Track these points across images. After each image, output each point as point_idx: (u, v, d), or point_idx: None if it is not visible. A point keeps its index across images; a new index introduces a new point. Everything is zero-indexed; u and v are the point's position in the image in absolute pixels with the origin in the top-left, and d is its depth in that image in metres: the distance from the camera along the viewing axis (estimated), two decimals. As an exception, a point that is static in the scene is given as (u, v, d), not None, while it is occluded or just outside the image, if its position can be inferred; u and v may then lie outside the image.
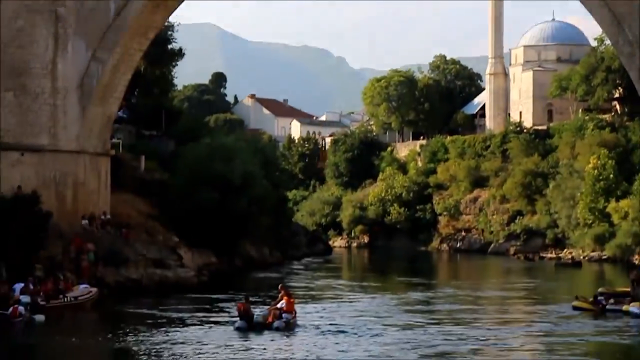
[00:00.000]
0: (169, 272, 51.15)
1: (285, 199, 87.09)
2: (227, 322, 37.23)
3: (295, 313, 36.10)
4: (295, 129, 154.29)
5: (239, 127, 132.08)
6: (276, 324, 34.75)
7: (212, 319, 38.15)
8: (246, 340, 32.48)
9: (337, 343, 31.34)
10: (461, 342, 31.73)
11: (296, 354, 29.40)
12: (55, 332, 35.39)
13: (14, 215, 44.32)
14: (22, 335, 34.84)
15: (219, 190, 60.72)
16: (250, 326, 34.81)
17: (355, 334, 33.68)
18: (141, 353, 28.97)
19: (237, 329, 34.73)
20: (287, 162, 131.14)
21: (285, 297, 35.84)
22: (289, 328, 34.90)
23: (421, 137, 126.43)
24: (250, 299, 36.88)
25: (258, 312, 36.02)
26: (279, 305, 35.67)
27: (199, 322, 37.11)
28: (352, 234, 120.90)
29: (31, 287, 41.29)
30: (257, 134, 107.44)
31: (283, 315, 35.23)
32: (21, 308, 37.65)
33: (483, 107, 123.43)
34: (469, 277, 70.46)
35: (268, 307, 36.51)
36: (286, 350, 30.23)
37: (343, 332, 34.08)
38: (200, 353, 29.38)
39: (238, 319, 35.46)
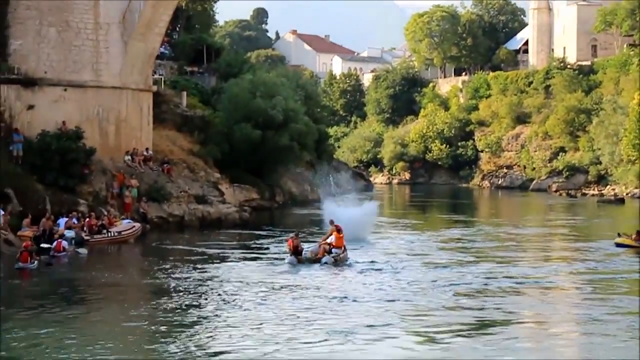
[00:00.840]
0: (210, 208, 51.46)
1: (327, 135, 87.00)
2: (269, 257, 37.46)
3: (345, 248, 36.19)
4: (337, 65, 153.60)
5: (281, 64, 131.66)
6: (325, 259, 35.00)
7: (254, 255, 38.36)
8: (294, 275, 32.59)
9: (378, 281, 31.39)
10: (501, 280, 31.64)
11: (341, 289, 29.47)
12: (98, 267, 35.80)
13: (58, 151, 44.75)
14: (65, 269, 35.28)
15: (260, 127, 60.84)
16: (299, 261, 35.08)
17: (395, 271, 33.68)
18: (182, 289, 29.17)
19: (287, 264, 34.96)
20: (328, 98, 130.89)
21: (335, 233, 35.91)
22: (338, 263, 35.05)
23: (463, 73, 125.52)
24: (300, 234, 36.96)
25: (307, 247, 36.14)
26: (328, 241, 35.83)
27: (241, 258, 37.32)
28: (393, 171, 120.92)
29: (75, 222, 41.86)
30: (298, 70, 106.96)
31: (332, 250, 35.41)
32: (65, 242, 38.20)
33: (526, 43, 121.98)
34: (510, 214, 70.26)
35: (318, 242, 36.53)
36: (331, 286, 30.32)
37: (382, 269, 34.11)
38: (245, 289, 29.50)
39: (288, 254, 35.76)
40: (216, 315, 25.20)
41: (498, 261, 36.91)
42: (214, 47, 77.18)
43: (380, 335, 22.58)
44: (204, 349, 21.16)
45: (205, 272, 33.17)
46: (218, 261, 36.32)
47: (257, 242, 43.53)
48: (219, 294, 28.41)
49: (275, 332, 22.76)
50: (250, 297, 27.93)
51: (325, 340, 21.91)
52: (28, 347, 20.89)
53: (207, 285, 30.12)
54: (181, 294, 28.31)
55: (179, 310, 25.60)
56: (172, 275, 32.21)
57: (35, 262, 34.44)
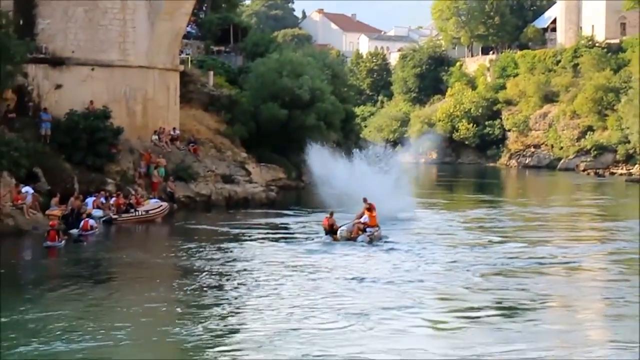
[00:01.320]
0: (237, 188, 51.57)
1: (353, 114, 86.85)
2: (295, 237, 37.49)
3: (379, 227, 36.29)
4: (363, 44, 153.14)
5: (307, 43, 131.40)
6: (360, 238, 35.16)
7: (281, 235, 38.39)
8: (320, 255, 32.55)
9: (402, 262, 31.32)
10: (527, 261, 31.48)
11: (363, 270, 29.49)
12: (124, 246, 36.00)
13: (85, 130, 44.94)
14: (92, 249, 35.44)
15: (287, 106, 60.84)
16: (335, 240, 35.25)
17: (420, 252, 33.55)
18: (207, 269, 29.13)
19: (323, 243, 35.12)
20: (355, 77, 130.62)
21: (367, 211, 36.04)
22: (374, 242, 35.24)
23: (490, 52, 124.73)
24: (335, 213, 37.03)
25: (342, 226, 36.18)
26: (362, 220, 35.92)
27: (268, 238, 37.32)
28: (420, 150, 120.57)
29: (103, 201, 42.08)
30: (325, 50, 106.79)
31: (367, 229, 35.57)
32: (92, 221, 38.40)
33: (554, 21, 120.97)
34: (538, 193, 69.96)
35: (352, 221, 36.55)
36: (355, 266, 30.32)
37: (407, 250, 33.98)
38: (269, 269, 29.50)
39: (323, 233, 35.96)
40: (239, 296, 25.17)
41: (524, 241, 36.75)
42: (240, 26, 77.14)
43: (402, 318, 22.41)
44: (224, 331, 21.06)
45: (231, 252, 33.22)
46: (244, 241, 36.38)
47: (284, 221, 43.56)
48: (244, 275, 28.41)
49: (295, 314, 22.63)
50: (273, 277, 27.92)
51: (346, 322, 21.75)
52: (45, 327, 20.84)
53: (233, 266, 30.11)
54: (206, 274, 28.31)
55: (202, 291, 25.62)
56: (197, 255, 32.26)
57: (63, 240, 34.67)
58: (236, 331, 21.10)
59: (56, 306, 23.29)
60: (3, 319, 21.33)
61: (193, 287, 26.31)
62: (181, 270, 29.66)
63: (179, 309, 23.49)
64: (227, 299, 24.71)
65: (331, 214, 36.75)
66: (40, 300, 24.48)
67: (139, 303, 23.87)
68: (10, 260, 32.31)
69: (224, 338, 20.47)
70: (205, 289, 25.93)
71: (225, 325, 21.55)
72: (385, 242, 35.70)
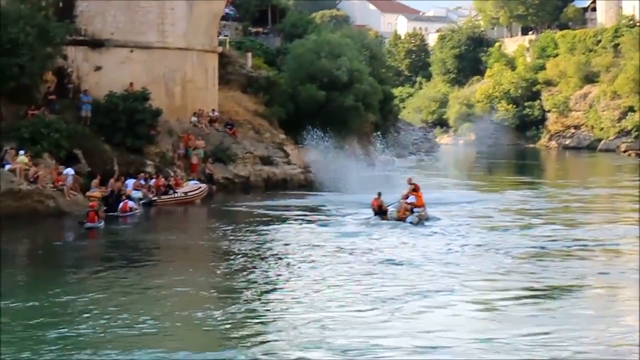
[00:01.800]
0: (275, 169, 51.68)
1: (391, 95, 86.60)
2: (334, 219, 37.46)
3: (425, 207, 36.51)
4: (402, 25, 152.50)
5: (345, 24, 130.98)
6: (409, 218, 35.40)
7: (319, 217, 38.42)
8: (358, 238, 32.51)
9: (439, 244, 31.22)
10: (566, 243, 31.23)
11: (398, 252, 29.41)
12: (162, 228, 36.26)
13: (125, 112, 45.17)
14: (130, 230, 35.67)
15: (325, 87, 60.78)
16: (384, 220, 35.57)
17: (457, 234, 33.40)
18: (245, 252, 29.07)
19: (372, 224, 35.30)
20: (393, 58, 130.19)
21: (413, 192, 36.32)
22: (422, 222, 35.51)
23: (530, 32, 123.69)
24: (382, 194, 37.14)
25: (392, 207, 36.34)
26: (408, 201, 36.12)
27: (306, 220, 37.33)
28: (459, 131, 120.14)
29: (142, 182, 42.32)
30: (363, 31, 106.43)
31: (414, 209, 35.80)
32: (131, 203, 38.67)
33: (594, 0, 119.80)
34: (577, 174, 69.50)
35: (399, 201, 36.67)
36: (389, 248, 30.21)
37: (444, 233, 33.86)
38: (306, 251, 29.48)
39: (372, 214, 36.21)
40: (275, 278, 25.11)
41: (564, 223, 36.52)
42: (278, 7, 77.00)
43: (437, 301, 22.20)
44: (259, 316, 20.83)
45: (269, 234, 33.25)
46: (282, 223, 36.40)
47: (323, 203, 43.51)
48: (281, 257, 28.32)
49: (328, 297, 22.45)
50: (309, 259, 27.82)
51: (380, 305, 21.60)
52: (75, 311, 20.82)
53: (271, 249, 30.04)
54: (243, 257, 28.19)
55: (238, 274, 25.47)
56: (235, 237, 32.26)
57: (102, 221, 34.95)
58: (276, 317, 20.81)
59: (89, 288, 23.33)
60: (34, 302, 21.42)
61: (226, 270, 26.24)
62: (218, 252, 29.69)
63: (213, 293, 23.39)
64: (259, 282, 24.53)
65: (379, 194, 36.86)
66: (74, 282, 24.62)
67: (171, 286, 23.73)
68: (49, 242, 32.68)
69: (258, 324, 20.21)
70: (239, 271, 25.78)
71: (263, 310, 21.40)
72: (432, 223, 35.68)
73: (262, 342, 18.31)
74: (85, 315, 20.30)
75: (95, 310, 20.79)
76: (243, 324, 19.96)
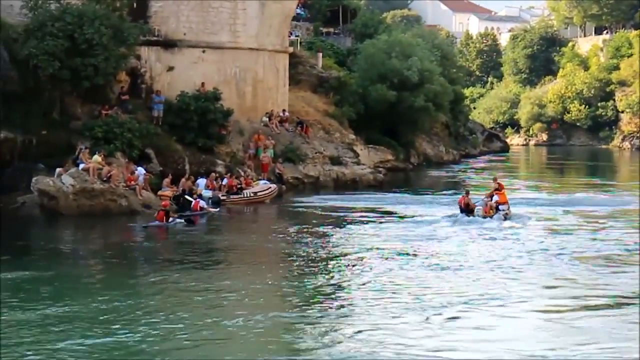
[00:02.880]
0: (345, 169, 51.66)
1: (462, 96, 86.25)
2: (407, 220, 37.15)
3: (509, 205, 36.89)
4: (474, 25, 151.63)
5: (417, 24, 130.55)
6: (496, 216, 35.80)
7: (390, 217, 38.20)
8: (426, 241, 31.99)
9: (502, 247, 30.69)
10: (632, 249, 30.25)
11: (460, 255, 28.91)
12: (231, 229, 36.25)
13: (196, 111, 45.50)
14: (199, 230, 35.61)
15: (395, 87, 60.72)
16: (470, 217, 36.02)
17: (522, 237, 32.86)
18: (314, 253, 28.66)
19: (460, 221, 35.61)
20: (465, 58, 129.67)
21: (496, 191, 36.80)
22: (508, 219, 35.75)
23: (604, 32, 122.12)
24: (470, 192, 37.86)
25: (479, 206, 36.79)
26: (492, 200, 36.59)
27: (378, 221, 37.00)
28: (530, 132, 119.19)
29: (213, 182, 42.58)
30: (434, 30, 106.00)
31: (499, 207, 36.28)
32: (203, 202, 38.86)
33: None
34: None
35: (483, 199, 37.16)
36: (452, 250, 29.67)
37: (507, 237, 33.43)
38: (373, 253, 29.17)
39: (459, 211, 36.76)
40: (344, 281, 24.74)
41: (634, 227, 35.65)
42: (349, 7, 77.15)
43: (501, 309, 21.36)
44: (311, 321, 20.20)
45: (340, 235, 32.68)
46: (353, 224, 36.08)
47: (394, 203, 43.22)
48: (351, 259, 27.68)
49: (390, 304, 21.67)
50: (376, 262, 27.22)
51: (443, 310, 21.05)
52: (134, 312, 20.57)
53: (342, 250, 29.50)
54: (309, 259, 27.49)
55: (302, 277, 24.81)
56: (304, 239, 31.61)
57: (174, 220, 35.22)
58: (344, 323, 20.28)
59: (137, 293, 23.07)
60: (97, 304, 21.35)
61: (292, 273, 25.69)
62: (285, 254, 29.05)
63: (276, 295, 23.09)
64: (322, 286, 24.06)
65: (467, 192, 37.64)
66: (137, 282, 24.64)
67: (233, 289, 23.26)
68: (118, 241, 32.97)
69: (315, 330, 19.56)
70: (307, 275, 25.16)
71: (325, 316, 20.84)
72: (519, 222, 35.66)
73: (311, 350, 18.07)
74: (145, 317, 20.13)
75: (157, 312, 20.63)
76: (297, 329, 19.39)
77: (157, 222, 34.74)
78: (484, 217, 35.88)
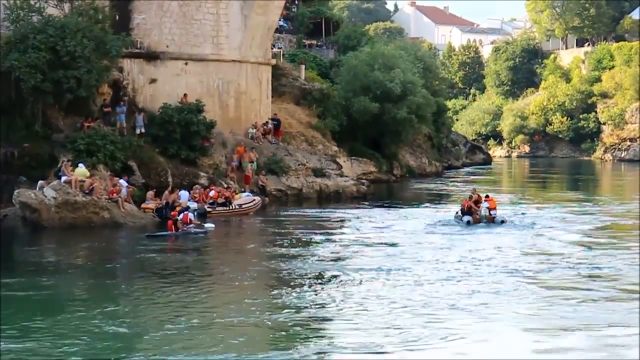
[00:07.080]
0: (328, 181, 51.61)
1: (445, 108, 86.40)
2: (392, 232, 37.19)
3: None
4: (456, 37, 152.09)
5: (399, 36, 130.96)
6: (498, 217, 38.75)
7: (376, 229, 38.17)
8: (422, 250, 32.16)
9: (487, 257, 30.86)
10: (620, 262, 30.07)
11: (453, 263, 29.06)
12: (224, 242, 36.15)
13: (179, 123, 45.43)
14: (189, 244, 35.17)
15: (378, 99, 60.80)
16: (476, 221, 38.46)
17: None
18: (303, 269, 28.56)
19: (465, 223, 38.18)
20: (447, 70, 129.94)
21: (485, 198, 39.57)
22: (504, 221, 38.78)
23: (586, 44, 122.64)
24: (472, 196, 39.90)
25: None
26: (484, 205, 39.27)
27: (363, 233, 36.98)
28: (513, 144, 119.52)
29: (202, 194, 42.49)
30: (417, 42, 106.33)
31: (491, 212, 38.93)
32: (191, 215, 38.52)
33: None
34: (636, 189, 68.41)
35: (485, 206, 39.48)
36: (448, 258, 29.87)
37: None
38: (365, 265, 29.19)
39: (461, 214, 39.14)
40: (336, 294, 24.68)
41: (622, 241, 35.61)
42: (332, 19, 77.31)
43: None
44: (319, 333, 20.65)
45: (326, 247, 32.65)
46: (339, 235, 36.07)
47: (377, 215, 43.16)
48: (341, 272, 27.54)
49: (394, 310, 22.07)
50: (373, 273, 27.26)
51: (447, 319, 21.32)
52: (105, 326, 20.39)
53: (329, 263, 29.39)
54: (299, 276, 27.07)
55: (292, 294, 24.33)
56: (291, 253, 31.33)
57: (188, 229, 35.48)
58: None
59: (134, 302, 23.15)
60: (85, 314, 21.33)
61: (284, 290, 25.02)
62: (273, 269, 28.56)
63: (253, 319, 22.41)
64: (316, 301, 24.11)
65: (470, 196, 39.91)
66: (121, 297, 24.46)
67: (216, 305, 23.08)
68: (104, 253, 32.84)
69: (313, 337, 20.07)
70: (293, 291, 25.01)
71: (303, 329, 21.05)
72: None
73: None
74: (130, 329, 20.21)
75: (137, 325, 20.72)
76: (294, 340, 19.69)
77: (167, 232, 34.94)
78: (487, 218, 38.56)
